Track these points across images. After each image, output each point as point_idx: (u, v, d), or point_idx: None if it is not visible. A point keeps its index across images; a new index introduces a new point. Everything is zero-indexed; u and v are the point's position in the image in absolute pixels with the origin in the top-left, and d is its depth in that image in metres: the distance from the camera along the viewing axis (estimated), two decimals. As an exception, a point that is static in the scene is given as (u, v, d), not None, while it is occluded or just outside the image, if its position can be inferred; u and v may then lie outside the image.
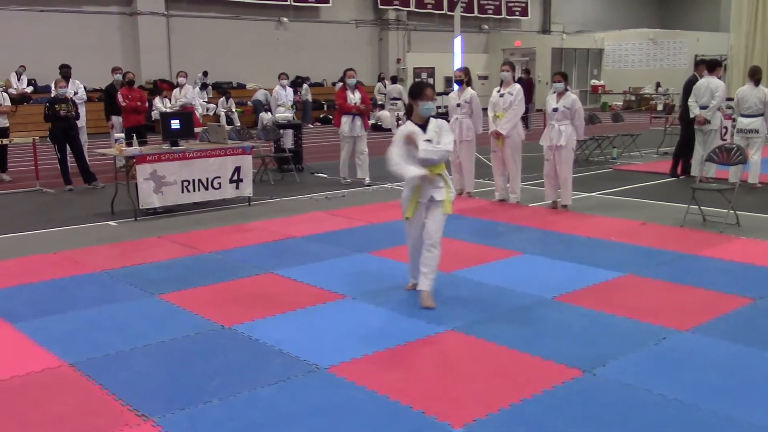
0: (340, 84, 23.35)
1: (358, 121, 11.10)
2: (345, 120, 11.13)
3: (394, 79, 22.99)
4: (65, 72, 12.25)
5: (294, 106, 16.99)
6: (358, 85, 11.39)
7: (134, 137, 9.40)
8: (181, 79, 14.57)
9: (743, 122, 10.29)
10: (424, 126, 5.39)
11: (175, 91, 14.64)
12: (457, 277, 6.18)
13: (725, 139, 11.35)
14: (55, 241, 7.79)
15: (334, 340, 4.83)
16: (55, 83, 11.50)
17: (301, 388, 4.10)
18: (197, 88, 15.05)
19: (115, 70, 13.58)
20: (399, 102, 21.45)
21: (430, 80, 28.22)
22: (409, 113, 5.56)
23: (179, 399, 3.97)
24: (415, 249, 5.64)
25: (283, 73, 14.54)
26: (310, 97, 23.90)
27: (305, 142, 13.92)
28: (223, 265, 6.72)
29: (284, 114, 13.62)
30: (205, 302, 5.64)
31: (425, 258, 5.44)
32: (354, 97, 11.08)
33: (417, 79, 23.76)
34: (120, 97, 12.21)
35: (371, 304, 5.54)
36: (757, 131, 10.17)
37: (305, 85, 23.95)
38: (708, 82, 10.62)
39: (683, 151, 11.51)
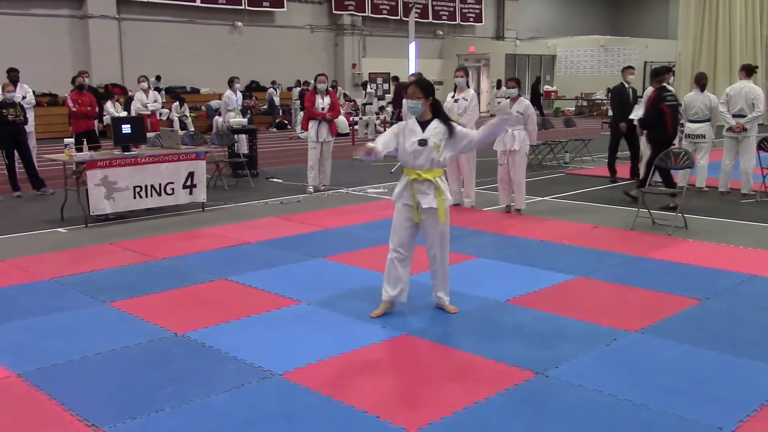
0: (297, 89, 23.61)
1: (324, 127, 11.02)
2: (312, 125, 11.07)
3: (365, 85, 23.49)
4: (13, 76, 11.99)
5: (249, 111, 16.92)
6: (330, 91, 11.33)
7: (84, 142, 9.24)
8: (143, 84, 14.39)
9: (690, 127, 10.52)
10: (425, 124, 5.24)
11: (139, 95, 14.40)
12: (411, 282, 6.14)
13: (673, 144, 11.60)
14: (2, 249, 7.60)
15: (289, 346, 4.81)
16: (2, 87, 11.25)
17: (255, 395, 4.08)
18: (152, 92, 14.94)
19: (82, 73, 13.47)
20: (370, 106, 21.88)
21: (386, 86, 28.39)
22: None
23: (131, 408, 3.91)
24: (398, 256, 5.38)
25: (235, 77, 14.42)
26: (278, 101, 23.88)
27: (260, 147, 13.83)
28: (176, 272, 6.64)
29: (238, 119, 13.51)
30: (157, 309, 5.57)
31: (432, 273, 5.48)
32: (323, 102, 10.99)
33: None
34: (69, 102, 12.00)
35: (326, 310, 5.53)
36: (704, 136, 10.40)
37: (271, 89, 23.89)
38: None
39: (614, 156, 11.69)
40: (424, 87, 5.29)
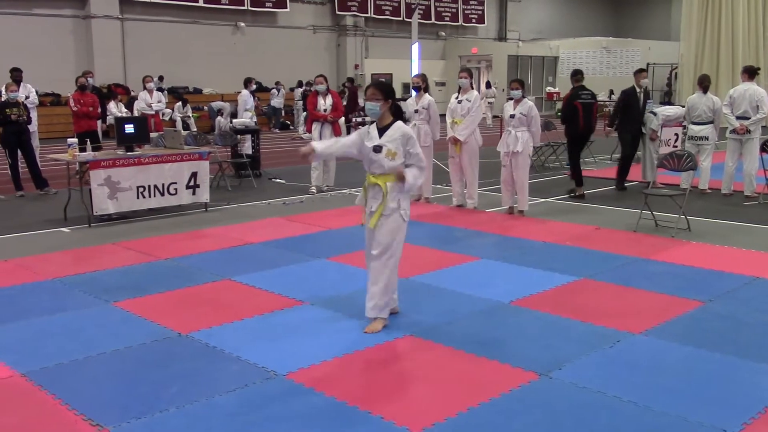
0: (300, 89, 23.62)
1: (328, 128, 11.01)
2: (315, 126, 11.08)
3: (344, 86, 23.58)
4: (16, 76, 12.01)
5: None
6: (332, 91, 11.32)
7: (87, 142, 9.25)
8: (150, 84, 14.41)
9: (694, 129, 10.52)
10: (384, 130, 5.02)
11: (144, 95, 14.40)
12: (415, 283, 6.20)
13: (676, 146, 11.59)
14: (5, 249, 7.61)
15: (293, 346, 4.82)
16: (5, 87, 11.26)
17: (259, 395, 4.08)
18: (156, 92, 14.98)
19: (86, 73, 13.52)
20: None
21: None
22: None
23: (135, 408, 3.91)
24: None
25: (251, 77, 14.42)
26: (282, 102, 23.88)
27: (263, 148, 13.84)
28: (180, 272, 6.65)
29: (243, 119, 13.54)
30: (161, 309, 5.58)
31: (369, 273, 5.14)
32: (325, 104, 10.99)
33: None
34: (71, 102, 12.01)
35: (329, 310, 5.54)
36: (707, 138, 10.41)
37: (274, 90, 23.88)
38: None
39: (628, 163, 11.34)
40: (382, 89, 5.10)
